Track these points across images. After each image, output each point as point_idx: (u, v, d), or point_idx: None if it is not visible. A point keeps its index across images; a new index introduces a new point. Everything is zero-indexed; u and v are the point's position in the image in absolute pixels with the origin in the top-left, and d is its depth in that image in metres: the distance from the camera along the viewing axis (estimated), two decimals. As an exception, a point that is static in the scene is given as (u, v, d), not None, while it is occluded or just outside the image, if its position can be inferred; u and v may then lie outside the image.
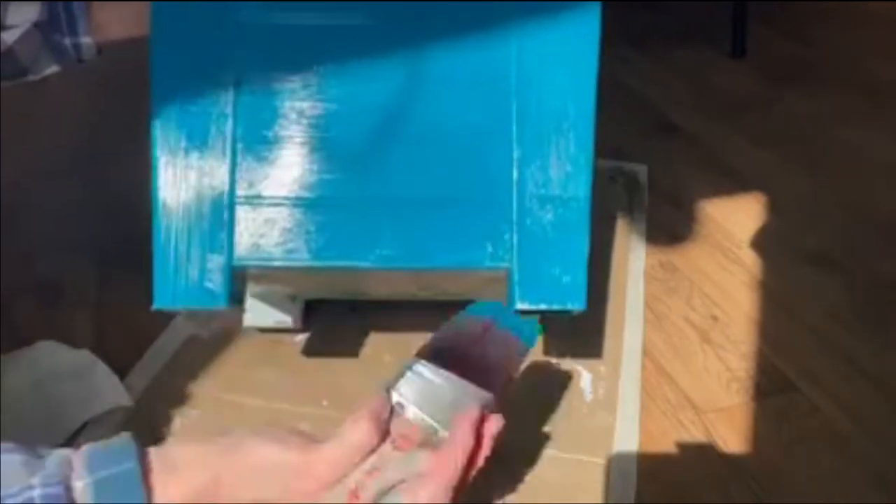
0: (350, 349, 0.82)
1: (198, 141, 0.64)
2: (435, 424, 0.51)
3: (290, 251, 0.63)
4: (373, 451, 0.51)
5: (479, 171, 0.64)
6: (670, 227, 1.01)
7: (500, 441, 0.51)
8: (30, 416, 0.72)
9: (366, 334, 0.84)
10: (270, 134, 0.64)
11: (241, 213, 0.63)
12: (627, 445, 0.73)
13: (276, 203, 0.64)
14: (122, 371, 0.78)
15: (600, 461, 0.71)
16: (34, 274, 0.93)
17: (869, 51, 1.44)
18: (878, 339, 0.84)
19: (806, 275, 0.93)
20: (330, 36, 0.65)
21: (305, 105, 0.65)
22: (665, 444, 0.73)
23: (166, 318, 0.85)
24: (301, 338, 0.84)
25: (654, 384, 0.80)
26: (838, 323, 0.86)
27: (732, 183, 1.09)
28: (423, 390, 0.52)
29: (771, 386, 0.79)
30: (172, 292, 0.63)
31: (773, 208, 1.04)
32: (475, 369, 0.54)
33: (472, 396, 0.52)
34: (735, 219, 1.02)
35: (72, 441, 0.71)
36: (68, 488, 0.47)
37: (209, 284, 0.63)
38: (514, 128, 0.64)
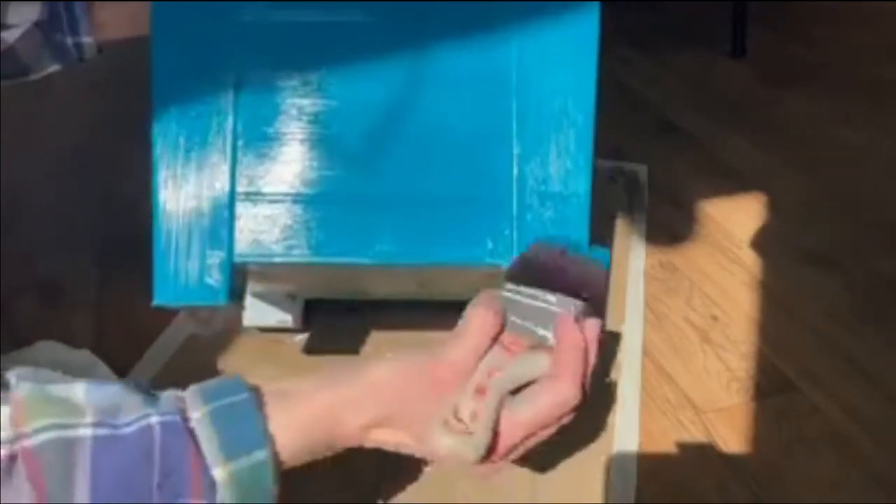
0: (350, 348, 0.82)
1: (198, 138, 0.64)
2: (540, 330, 0.54)
3: (291, 247, 0.63)
4: (489, 348, 0.53)
5: (479, 168, 0.64)
6: (670, 227, 1.01)
7: (603, 346, 0.54)
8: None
9: (366, 333, 0.84)
10: (271, 131, 0.64)
11: (242, 209, 0.64)
12: (627, 445, 0.73)
13: (276, 200, 0.64)
14: (122, 371, 0.78)
15: (600, 461, 0.71)
16: (34, 274, 0.92)
17: (869, 51, 1.44)
18: (879, 339, 0.84)
19: (806, 275, 0.93)
20: (330, 34, 0.65)
21: (306, 102, 0.65)
22: (665, 444, 0.73)
23: (166, 317, 0.85)
24: (301, 337, 0.84)
25: (654, 384, 0.80)
26: (838, 323, 0.86)
27: (732, 183, 1.09)
28: (518, 306, 0.55)
29: (771, 386, 0.79)
30: (173, 289, 0.63)
31: (773, 208, 1.04)
32: (561, 283, 0.56)
33: (566, 304, 0.54)
34: (735, 219, 1.02)
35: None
36: (185, 419, 0.47)
37: (209, 281, 0.63)
38: (514, 125, 0.64)
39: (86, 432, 0.44)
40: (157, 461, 0.45)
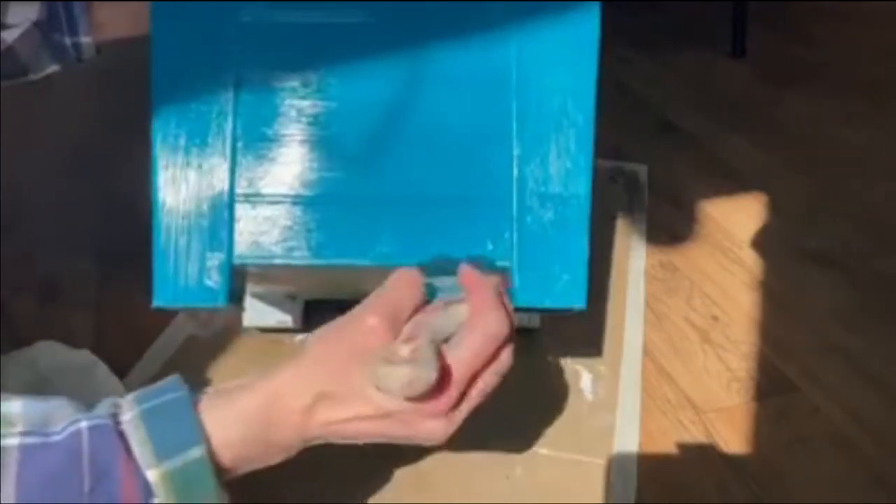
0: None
1: (198, 139, 0.64)
2: (452, 296, 0.55)
3: (291, 249, 0.63)
4: (412, 312, 0.54)
5: (478, 169, 0.64)
6: (670, 227, 1.01)
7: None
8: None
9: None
10: (271, 132, 0.64)
11: (241, 210, 0.63)
12: (627, 445, 0.73)
13: (276, 201, 0.64)
14: (122, 371, 0.78)
15: (600, 461, 0.71)
16: (34, 274, 0.92)
17: (869, 51, 1.44)
18: (879, 339, 0.84)
19: (806, 275, 0.93)
20: (330, 34, 0.65)
21: (305, 103, 0.65)
22: (665, 444, 0.73)
23: (166, 318, 0.85)
24: (301, 337, 0.84)
25: (654, 384, 0.80)
26: (839, 323, 0.86)
27: (732, 183, 1.09)
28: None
29: (771, 386, 0.79)
30: (172, 290, 0.63)
31: (774, 208, 1.04)
32: None
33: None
34: (735, 219, 1.02)
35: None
36: (117, 422, 0.46)
37: (209, 282, 0.63)
38: (514, 126, 0.64)
39: (13, 441, 0.43)
40: (86, 466, 0.44)
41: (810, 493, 0.68)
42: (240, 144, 0.64)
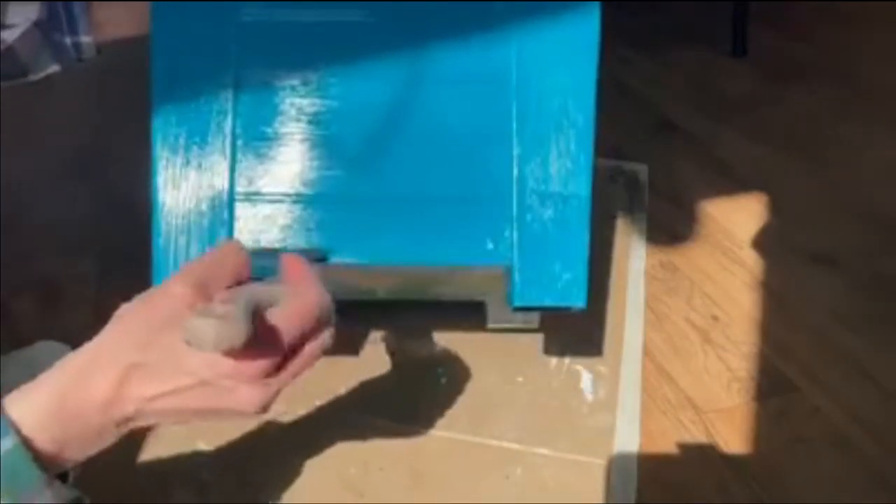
0: (350, 349, 0.82)
1: (198, 138, 0.64)
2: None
3: (290, 247, 0.63)
4: (231, 280, 0.52)
5: (479, 169, 0.64)
6: (670, 227, 1.01)
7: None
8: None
9: (366, 335, 0.84)
10: (270, 131, 0.64)
11: (241, 210, 0.64)
12: (628, 445, 0.73)
13: (275, 200, 0.64)
14: (121, 371, 0.78)
15: (600, 461, 0.71)
16: (34, 274, 0.92)
17: (869, 50, 1.44)
18: (879, 339, 0.84)
19: (806, 275, 0.93)
20: (330, 33, 0.65)
21: (305, 102, 0.65)
22: (665, 445, 0.73)
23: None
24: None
25: (655, 384, 0.80)
26: (839, 323, 0.86)
27: (733, 183, 1.09)
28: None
29: (771, 386, 0.79)
30: None
31: (774, 208, 1.04)
32: None
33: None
34: (735, 218, 1.02)
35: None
36: None
37: None
38: (514, 126, 0.64)
39: None
40: None
41: (810, 493, 0.68)
42: (239, 143, 0.64)
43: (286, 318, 0.50)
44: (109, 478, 0.67)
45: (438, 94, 0.65)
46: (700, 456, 0.72)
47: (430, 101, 0.65)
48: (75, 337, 0.82)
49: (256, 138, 0.64)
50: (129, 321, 0.50)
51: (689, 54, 1.43)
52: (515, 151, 0.64)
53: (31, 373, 0.75)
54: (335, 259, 0.64)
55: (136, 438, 0.69)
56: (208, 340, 0.45)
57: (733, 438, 0.74)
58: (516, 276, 0.64)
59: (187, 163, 0.64)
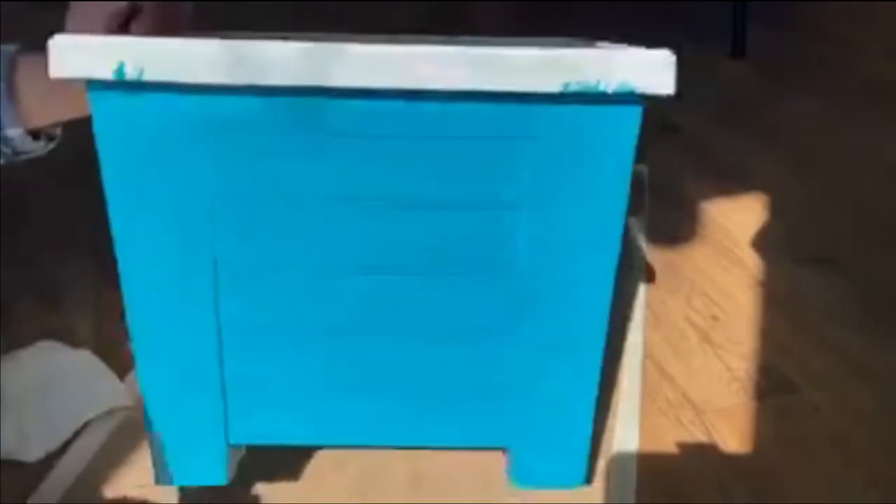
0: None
1: (178, 328, 0.63)
2: None
3: (290, 430, 0.64)
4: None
5: (482, 364, 0.62)
6: (670, 227, 1.01)
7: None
8: (30, 416, 0.72)
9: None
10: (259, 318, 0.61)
11: (234, 392, 0.62)
12: (627, 445, 0.73)
13: (270, 377, 0.62)
14: (122, 371, 0.78)
15: (600, 461, 0.71)
16: (34, 274, 0.93)
17: (870, 50, 1.44)
18: (879, 339, 0.84)
19: (806, 275, 0.93)
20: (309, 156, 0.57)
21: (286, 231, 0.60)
22: (665, 444, 0.73)
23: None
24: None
25: (654, 384, 0.80)
26: (838, 323, 0.86)
27: (732, 183, 1.09)
28: None
29: (771, 386, 0.79)
30: (171, 470, 0.63)
31: (774, 208, 1.04)
32: None
33: None
34: (735, 219, 1.02)
35: (72, 442, 0.71)
36: None
37: (207, 462, 0.63)
38: (522, 319, 0.61)
39: None
40: None
41: (810, 493, 0.68)
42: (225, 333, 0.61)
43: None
44: (109, 477, 0.67)
45: (442, 283, 0.60)
46: (699, 456, 0.72)
47: (433, 289, 0.61)
48: (75, 337, 0.82)
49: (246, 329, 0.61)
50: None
51: (689, 54, 1.43)
52: (518, 349, 0.62)
53: (31, 373, 0.76)
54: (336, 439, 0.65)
55: (135, 438, 0.69)
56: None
57: (732, 438, 0.74)
58: (514, 459, 0.65)
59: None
